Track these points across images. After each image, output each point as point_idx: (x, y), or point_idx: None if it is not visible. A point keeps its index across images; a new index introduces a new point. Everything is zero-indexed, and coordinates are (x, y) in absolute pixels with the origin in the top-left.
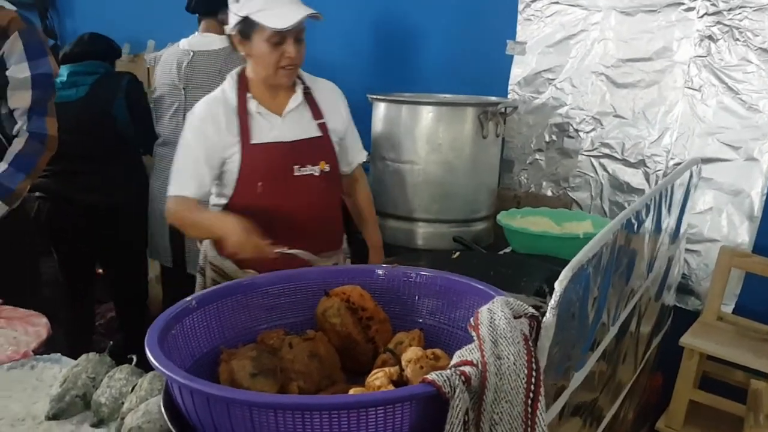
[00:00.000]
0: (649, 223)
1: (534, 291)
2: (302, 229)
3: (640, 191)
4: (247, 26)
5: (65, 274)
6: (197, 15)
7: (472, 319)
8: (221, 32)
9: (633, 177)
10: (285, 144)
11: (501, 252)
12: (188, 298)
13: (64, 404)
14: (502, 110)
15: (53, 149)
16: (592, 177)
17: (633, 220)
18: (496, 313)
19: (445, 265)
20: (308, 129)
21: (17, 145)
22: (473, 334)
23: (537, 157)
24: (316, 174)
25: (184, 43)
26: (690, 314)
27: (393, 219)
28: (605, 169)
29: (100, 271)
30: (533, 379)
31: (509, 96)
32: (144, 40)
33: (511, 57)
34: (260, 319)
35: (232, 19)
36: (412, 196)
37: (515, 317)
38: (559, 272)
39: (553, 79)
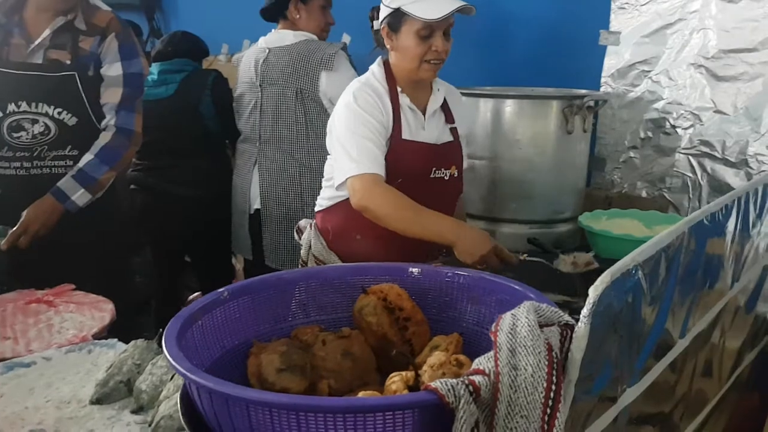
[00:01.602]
0: (731, 227)
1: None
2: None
3: None
4: (397, 18)
5: (156, 263)
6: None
7: (493, 325)
8: (293, 27)
9: (734, 178)
10: (431, 146)
11: None
12: (220, 290)
13: (107, 389)
14: (590, 104)
15: (137, 145)
16: (689, 177)
17: (707, 222)
18: (520, 320)
19: (508, 268)
20: (444, 132)
21: (104, 138)
22: (492, 340)
23: (631, 154)
24: (446, 178)
25: (261, 41)
26: None
27: (468, 218)
28: (704, 169)
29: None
30: (552, 393)
31: (602, 89)
32: (242, 40)
33: (604, 48)
34: (295, 314)
35: (383, 12)
36: (489, 194)
37: (546, 325)
38: None
39: (649, 72)
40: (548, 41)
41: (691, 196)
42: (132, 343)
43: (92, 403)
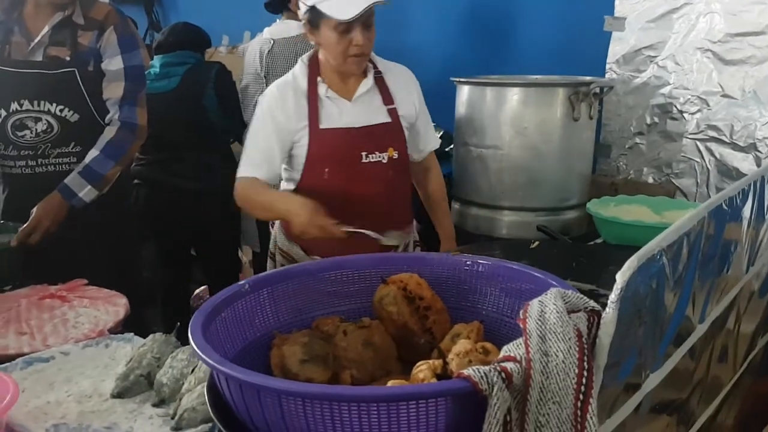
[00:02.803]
0: (747, 211)
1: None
2: (369, 215)
3: None
4: (315, 15)
5: (162, 257)
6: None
7: (521, 312)
8: (298, 18)
9: (742, 162)
10: (353, 130)
11: (591, 243)
12: (242, 282)
13: (128, 383)
14: (596, 90)
15: (142, 138)
16: (697, 162)
17: (725, 207)
18: (548, 306)
19: (522, 255)
20: (378, 115)
21: (109, 133)
22: (521, 326)
23: (637, 140)
24: (384, 161)
25: (266, 32)
26: None
27: (475, 206)
28: (712, 154)
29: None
30: (584, 380)
31: (607, 75)
32: (242, 32)
33: (609, 34)
34: (316, 304)
35: (301, 9)
36: (496, 182)
37: (573, 311)
38: None
39: (655, 57)
40: (553, 28)
41: (698, 181)
42: (150, 337)
43: (113, 396)
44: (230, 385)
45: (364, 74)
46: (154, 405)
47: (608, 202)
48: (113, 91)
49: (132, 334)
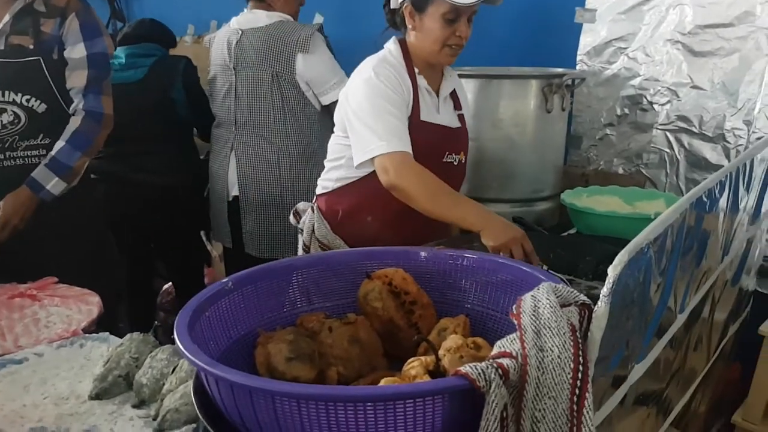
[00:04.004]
0: (723, 202)
1: (594, 274)
2: (435, 219)
3: (719, 168)
4: None
5: (123, 253)
6: None
7: (514, 307)
8: (268, 8)
9: (711, 153)
10: (444, 128)
11: (565, 233)
12: (224, 280)
13: (106, 384)
14: (569, 82)
15: (109, 127)
16: (667, 153)
17: (705, 199)
18: (541, 301)
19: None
20: (454, 117)
21: (74, 123)
22: (515, 323)
23: (608, 132)
24: (455, 163)
25: (233, 22)
26: None
27: None
28: (681, 145)
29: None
30: (580, 374)
31: (578, 67)
32: (208, 21)
33: (580, 25)
34: (300, 301)
35: None
36: (471, 174)
37: (563, 305)
38: None
39: (625, 49)
40: (524, 20)
41: (668, 171)
42: (127, 336)
43: (91, 398)
44: (221, 387)
45: (442, 72)
46: (134, 406)
47: (581, 193)
48: (77, 79)
49: (107, 333)
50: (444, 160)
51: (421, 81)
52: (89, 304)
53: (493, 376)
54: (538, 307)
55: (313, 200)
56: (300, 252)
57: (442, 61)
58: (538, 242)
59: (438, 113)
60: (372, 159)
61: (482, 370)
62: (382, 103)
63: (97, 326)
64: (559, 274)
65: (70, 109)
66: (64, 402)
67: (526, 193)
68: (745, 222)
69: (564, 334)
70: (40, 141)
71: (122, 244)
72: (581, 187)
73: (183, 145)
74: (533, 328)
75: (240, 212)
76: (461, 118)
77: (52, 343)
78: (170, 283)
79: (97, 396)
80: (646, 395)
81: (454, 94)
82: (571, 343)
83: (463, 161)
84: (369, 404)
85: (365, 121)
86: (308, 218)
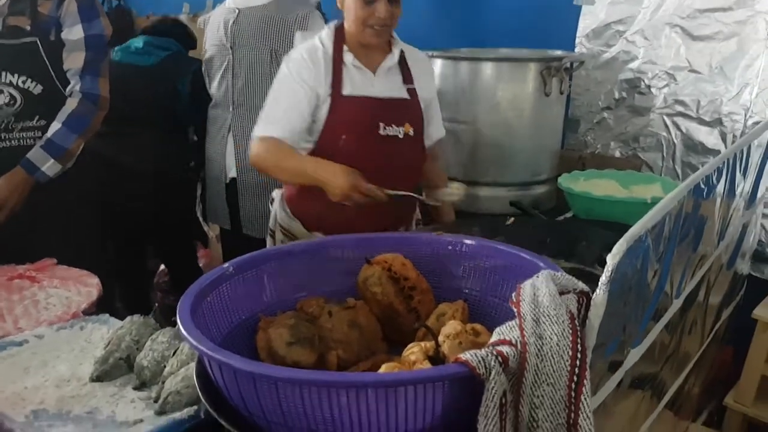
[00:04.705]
0: (721, 188)
1: (592, 259)
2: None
3: (715, 152)
4: None
5: (118, 235)
6: None
7: (513, 295)
8: None
9: (708, 137)
10: (375, 100)
11: (561, 217)
12: (225, 265)
13: (107, 366)
14: (567, 65)
15: (105, 109)
16: (664, 136)
17: (702, 186)
18: (540, 289)
19: (499, 232)
20: (399, 90)
21: (70, 105)
22: (514, 310)
23: (605, 115)
24: (400, 136)
25: (229, 1)
26: (766, 284)
27: (448, 181)
28: (678, 129)
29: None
30: (578, 362)
31: (576, 50)
32: (204, 0)
33: (579, 8)
34: (300, 286)
35: None
36: (469, 157)
37: (562, 293)
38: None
39: (624, 32)
40: (523, 1)
41: (665, 155)
42: (128, 319)
43: (92, 380)
44: (224, 372)
45: (388, 50)
46: (135, 388)
47: (578, 177)
48: (74, 61)
49: (107, 315)
50: (381, 132)
51: (348, 58)
52: (88, 286)
53: (493, 363)
54: (538, 295)
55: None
56: (267, 239)
57: (368, 41)
58: (534, 227)
59: (372, 86)
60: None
61: (482, 357)
62: (281, 91)
63: (97, 308)
64: (555, 260)
65: (67, 90)
66: (66, 384)
67: (523, 177)
68: (741, 207)
69: (563, 322)
70: (36, 123)
71: (116, 225)
72: (578, 170)
73: (178, 136)
74: (532, 315)
75: (238, 194)
76: (411, 91)
77: (52, 325)
78: (163, 267)
79: (98, 378)
80: (642, 378)
81: (404, 68)
82: (570, 331)
83: (412, 134)
84: (370, 390)
85: (267, 104)
86: (275, 203)
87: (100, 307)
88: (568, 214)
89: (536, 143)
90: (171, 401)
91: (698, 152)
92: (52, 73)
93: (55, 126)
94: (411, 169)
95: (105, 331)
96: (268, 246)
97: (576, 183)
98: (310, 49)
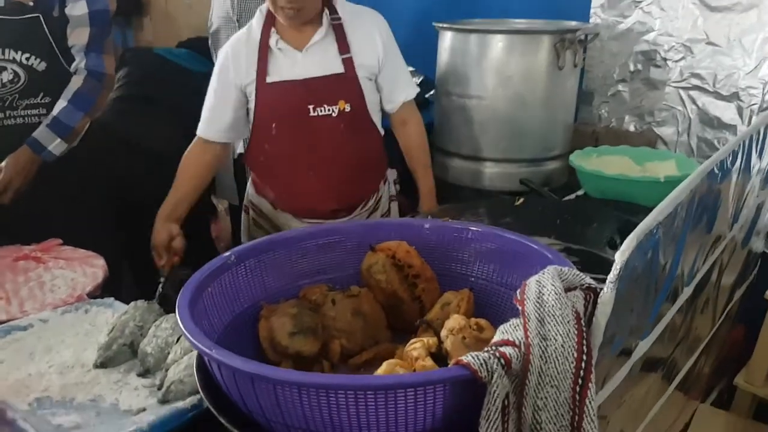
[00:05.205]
0: (735, 171)
1: (604, 242)
2: (326, 175)
3: (731, 127)
4: None
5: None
6: None
7: (518, 292)
8: None
9: (725, 111)
10: (298, 82)
11: (573, 195)
12: (227, 253)
13: (111, 353)
14: (582, 37)
15: (111, 88)
16: (679, 111)
17: (717, 171)
18: (546, 287)
19: (507, 213)
20: (330, 65)
21: (75, 83)
22: (519, 308)
23: (620, 88)
24: (334, 115)
25: None
26: None
27: (458, 158)
28: (694, 103)
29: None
30: (583, 363)
31: (591, 20)
32: None
33: None
34: (303, 273)
35: None
36: (479, 133)
37: (568, 289)
38: (633, 221)
39: (640, 2)
40: None
41: (679, 129)
42: (132, 304)
43: (96, 367)
44: (222, 371)
45: (319, 22)
46: (139, 375)
47: (590, 153)
48: (78, 37)
49: (112, 299)
50: (312, 114)
51: (274, 41)
52: (94, 267)
53: (495, 366)
54: (543, 294)
55: None
56: (242, 214)
57: (287, 22)
58: (543, 207)
59: (298, 68)
60: None
61: (484, 360)
62: (210, 88)
63: (102, 290)
64: (564, 243)
65: (72, 67)
66: (70, 371)
67: (535, 153)
68: (756, 187)
69: (568, 322)
70: (40, 100)
71: (125, 204)
72: (591, 146)
73: (188, 110)
74: (537, 315)
75: (246, 169)
76: (347, 62)
77: (57, 308)
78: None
79: (102, 365)
80: (654, 362)
81: (339, 38)
82: (575, 332)
83: (348, 110)
84: (370, 393)
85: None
86: (249, 180)
87: (106, 288)
88: (580, 192)
89: (548, 118)
90: (174, 390)
91: (714, 127)
92: (56, 50)
93: (61, 104)
94: (355, 147)
95: (109, 314)
96: (242, 222)
97: (588, 160)
98: (234, 40)
